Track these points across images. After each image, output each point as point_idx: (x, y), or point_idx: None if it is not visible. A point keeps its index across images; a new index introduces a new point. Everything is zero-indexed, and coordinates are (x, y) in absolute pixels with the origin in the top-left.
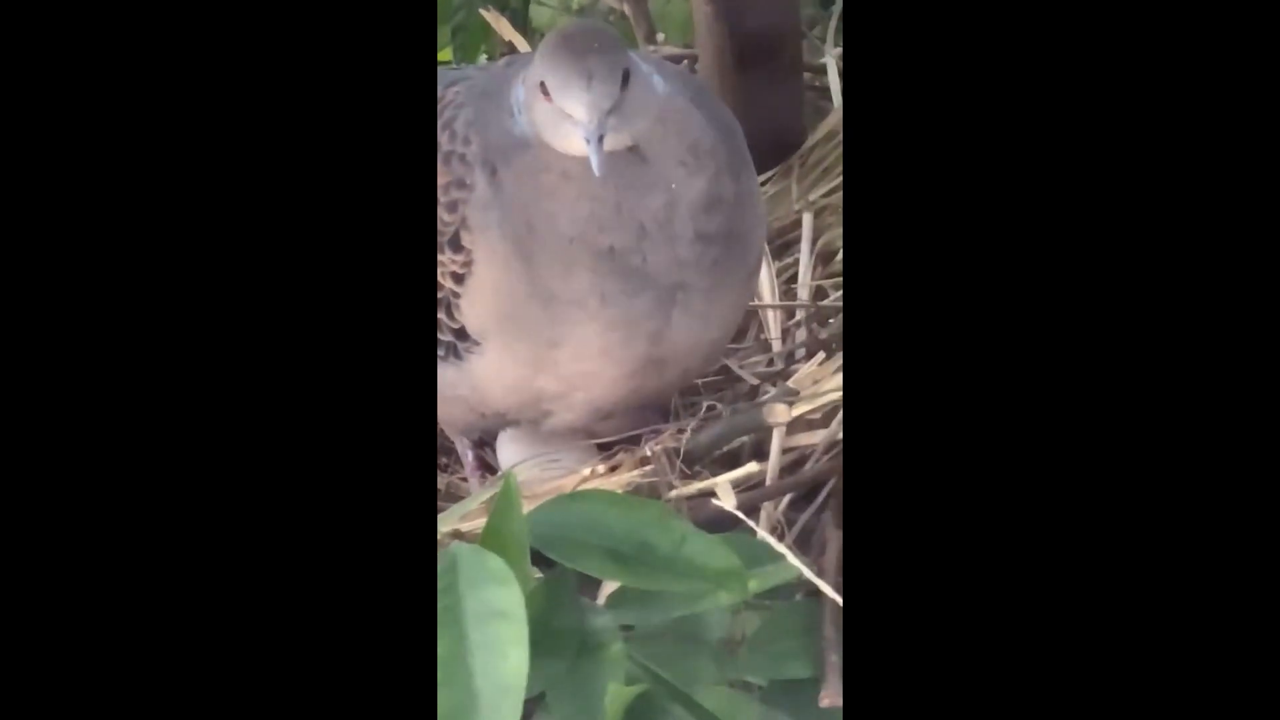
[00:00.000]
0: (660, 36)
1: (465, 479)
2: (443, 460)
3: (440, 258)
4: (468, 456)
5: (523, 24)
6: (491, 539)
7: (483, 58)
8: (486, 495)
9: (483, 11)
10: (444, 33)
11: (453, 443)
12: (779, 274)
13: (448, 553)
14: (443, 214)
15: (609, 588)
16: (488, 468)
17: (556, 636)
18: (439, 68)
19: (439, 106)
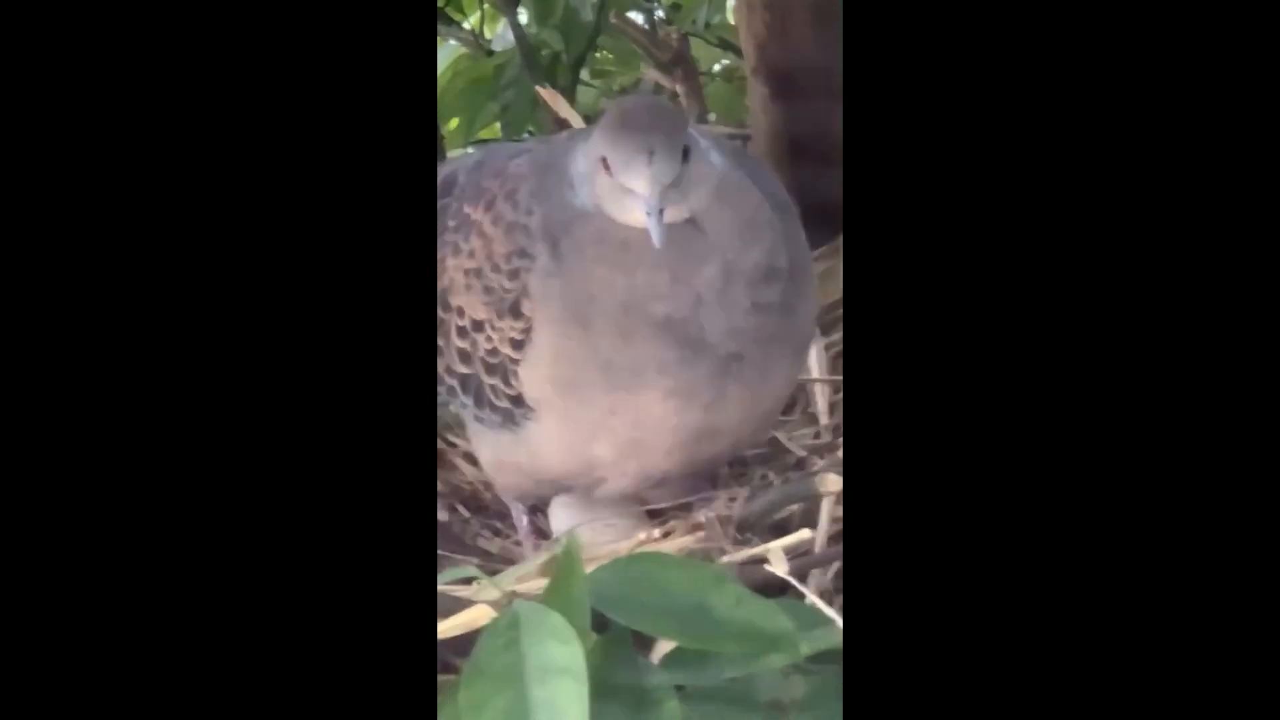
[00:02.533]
0: (711, 116)
1: (519, 543)
2: (497, 524)
3: (499, 324)
4: (522, 521)
5: (570, 101)
6: (553, 597)
7: (526, 135)
8: (542, 559)
9: (539, 89)
10: (490, 108)
11: (507, 507)
12: (826, 349)
13: (510, 610)
14: (504, 281)
15: (663, 647)
16: (541, 533)
17: (614, 694)
18: (503, 141)
19: (502, 179)
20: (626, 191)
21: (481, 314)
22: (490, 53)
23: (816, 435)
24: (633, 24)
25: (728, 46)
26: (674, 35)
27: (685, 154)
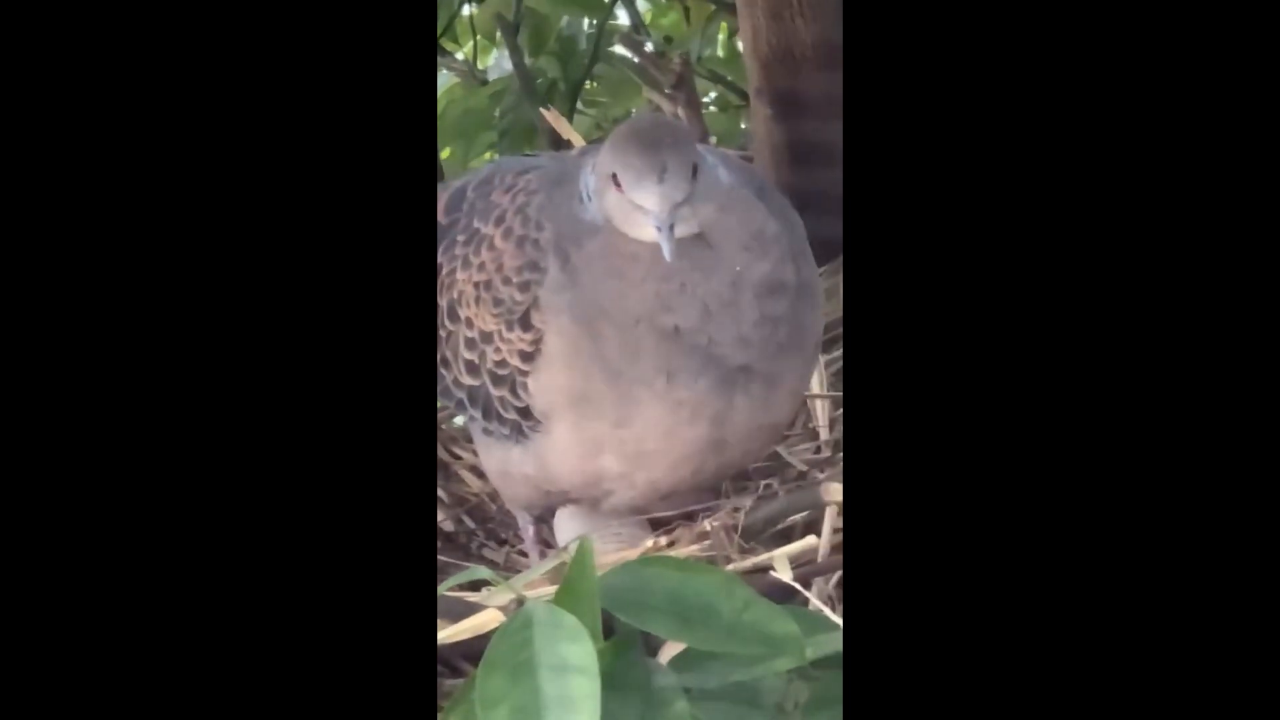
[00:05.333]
0: (713, 139)
1: (524, 553)
2: (503, 535)
3: (508, 335)
4: (529, 531)
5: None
6: (566, 599)
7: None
8: (549, 566)
9: (543, 111)
10: (484, 137)
11: (512, 518)
12: (827, 365)
13: (523, 610)
14: (515, 294)
15: (670, 650)
16: (547, 543)
17: (624, 694)
18: (513, 156)
19: (512, 194)
20: (637, 208)
21: (491, 325)
22: (484, 82)
23: (817, 450)
24: (637, 46)
25: (718, 79)
26: (676, 60)
27: (694, 171)
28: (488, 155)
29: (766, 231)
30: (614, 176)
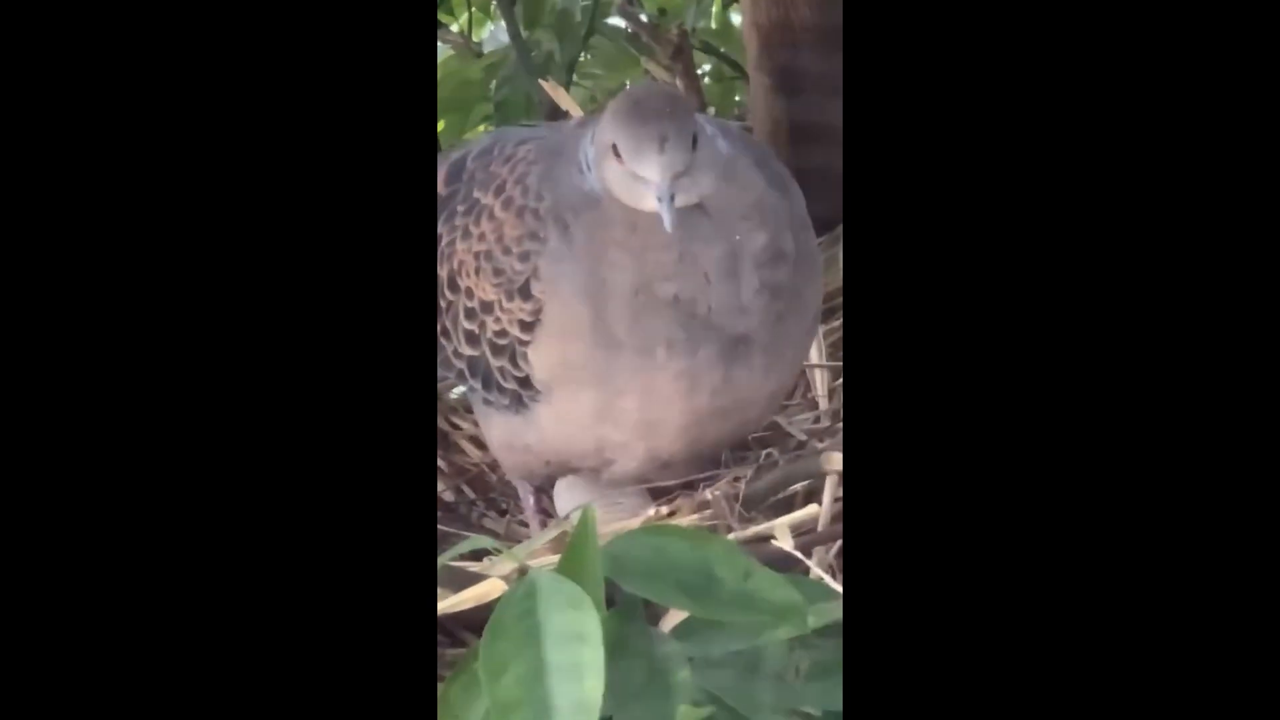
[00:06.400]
0: (711, 110)
1: (525, 523)
2: (504, 505)
3: (508, 305)
4: (529, 501)
5: None
6: (569, 567)
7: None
8: (550, 535)
9: (542, 82)
10: (480, 109)
11: (512, 488)
12: (825, 335)
13: (527, 579)
14: (514, 264)
15: (672, 619)
16: (547, 513)
17: (628, 660)
18: (512, 127)
19: (511, 164)
20: (637, 178)
21: (491, 295)
22: (480, 55)
23: (816, 420)
24: (633, 18)
25: (711, 51)
26: (674, 30)
27: (694, 141)
28: (482, 128)
29: (766, 201)
30: (614, 147)
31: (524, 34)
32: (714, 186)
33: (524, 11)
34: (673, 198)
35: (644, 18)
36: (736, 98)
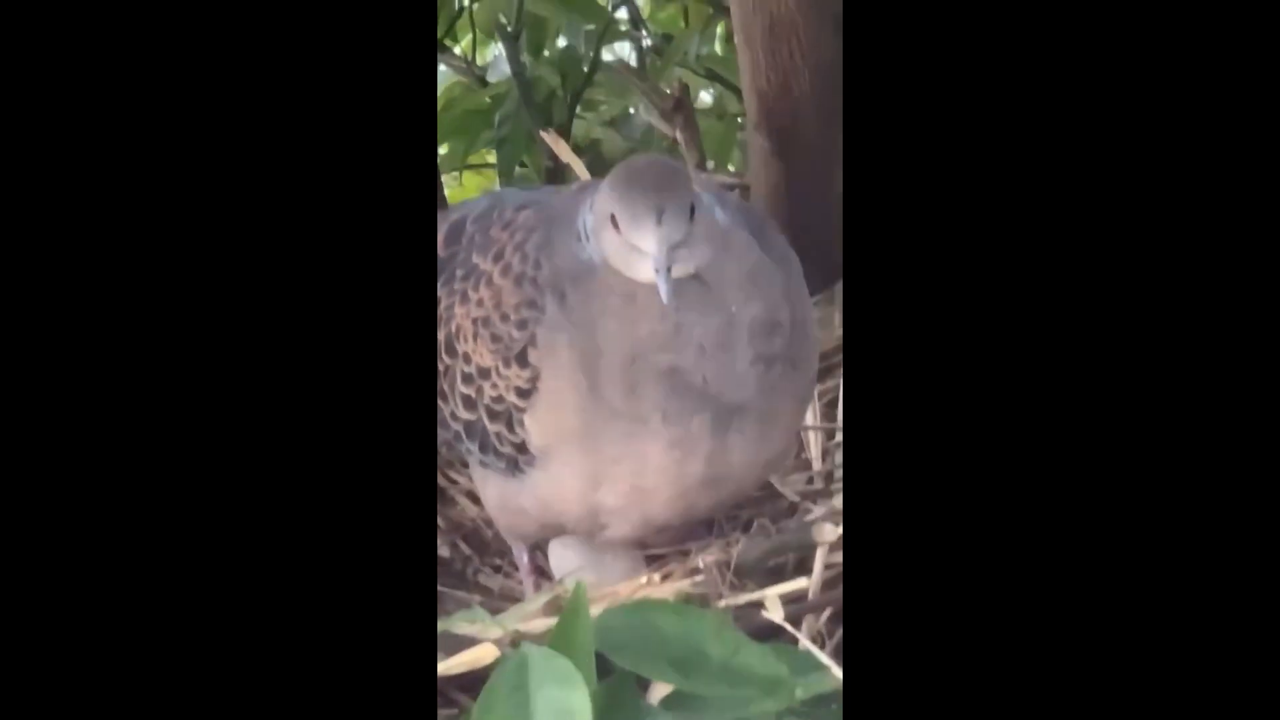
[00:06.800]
0: (710, 164)
1: (520, 582)
2: (498, 562)
3: (505, 371)
4: (523, 560)
5: (565, 137)
6: (560, 642)
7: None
8: (545, 599)
9: (543, 134)
10: (484, 136)
11: (508, 545)
12: (820, 396)
13: (519, 653)
14: (512, 331)
15: (660, 690)
16: (541, 572)
17: None
18: (515, 189)
19: (510, 230)
20: (635, 249)
21: (488, 361)
22: (484, 81)
23: (810, 481)
24: (627, 66)
25: (715, 78)
26: (674, 83)
27: (691, 212)
28: (483, 155)
29: (761, 272)
30: (612, 217)
31: (527, 61)
32: (711, 257)
33: (528, 41)
34: (669, 269)
35: (648, 41)
36: (738, 135)
